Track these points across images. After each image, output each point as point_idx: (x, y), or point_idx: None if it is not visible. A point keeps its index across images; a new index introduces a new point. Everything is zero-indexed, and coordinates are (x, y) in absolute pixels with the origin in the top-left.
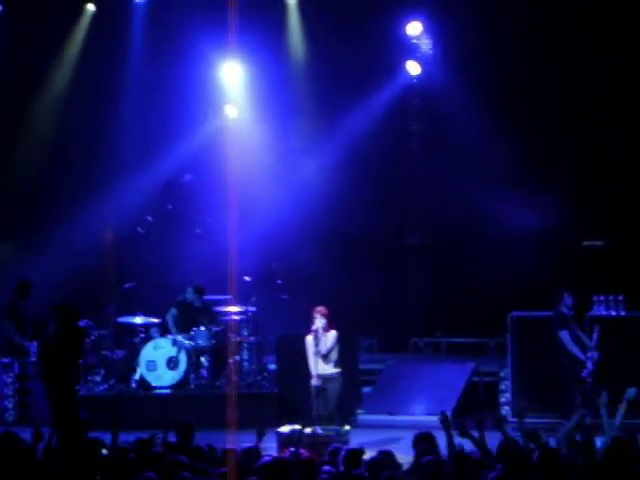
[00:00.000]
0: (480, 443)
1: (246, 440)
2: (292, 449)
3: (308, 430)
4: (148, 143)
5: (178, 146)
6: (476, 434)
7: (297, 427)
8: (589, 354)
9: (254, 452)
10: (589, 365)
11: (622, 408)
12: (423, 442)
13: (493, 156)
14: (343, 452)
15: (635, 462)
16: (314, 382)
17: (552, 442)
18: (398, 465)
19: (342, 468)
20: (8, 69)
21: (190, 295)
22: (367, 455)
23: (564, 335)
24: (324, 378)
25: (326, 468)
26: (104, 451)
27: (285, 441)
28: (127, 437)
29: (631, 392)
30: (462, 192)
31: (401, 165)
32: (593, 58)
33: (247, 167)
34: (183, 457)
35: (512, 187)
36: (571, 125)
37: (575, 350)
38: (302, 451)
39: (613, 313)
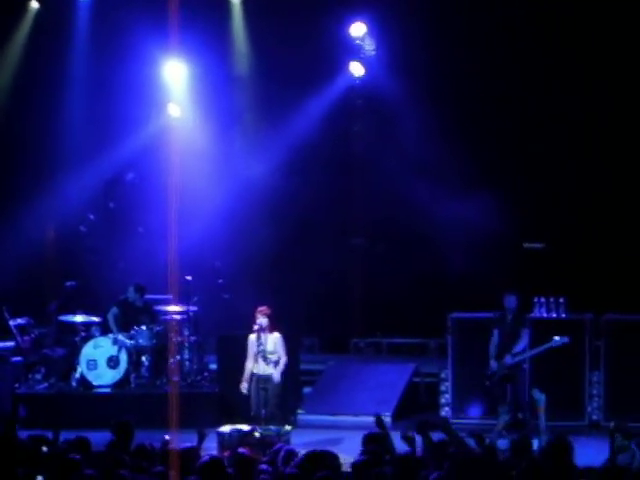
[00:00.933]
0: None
1: (187, 440)
2: (232, 450)
3: (248, 430)
4: (91, 141)
5: (121, 144)
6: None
7: (237, 427)
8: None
9: (194, 452)
10: (492, 365)
11: (541, 411)
12: (372, 442)
13: (436, 157)
14: (283, 452)
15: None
16: (243, 385)
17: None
18: (338, 465)
19: (282, 468)
20: None
21: (131, 294)
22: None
23: (494, 333)
24: (264, 378)
25: (263, 467)
26: (44, 448)
27: (226, 441)
28: (67, 435)
29: (537, 394)
30: (405, 193)
31: (345, 166)
32: (538, 57)
33: (190, 166)
34: (124, 455)
35: (455, 188)
36: (514, 126)
37: (490, 350)
38: (242, 450)
39: (554, 315)
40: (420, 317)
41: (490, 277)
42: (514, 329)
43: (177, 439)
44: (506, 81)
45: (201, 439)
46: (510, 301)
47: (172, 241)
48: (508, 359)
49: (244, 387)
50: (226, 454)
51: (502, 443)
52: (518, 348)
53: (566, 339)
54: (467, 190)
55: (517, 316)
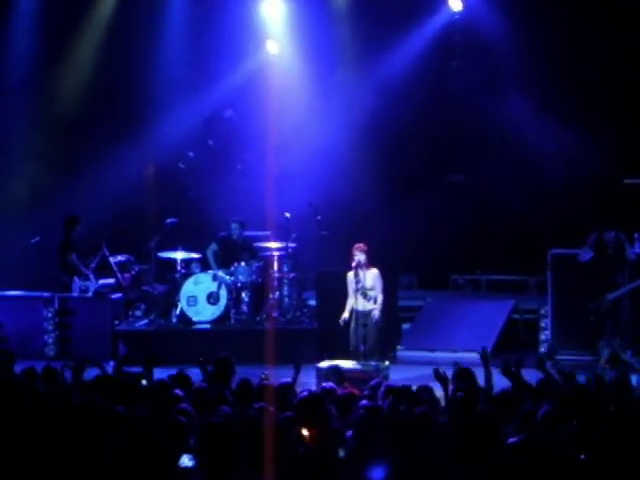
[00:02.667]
0: (521, 381)
1: (286, 375)
2: (328, 384)
3: (348, 365)
4: (189, 79)
5: (219, 82)
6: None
7: (336, 362)
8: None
9: (290, 387)
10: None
11: None
12: (462, 377)
13: (537, 92)
14: (383, 388)
15: None
16: (343, 318)
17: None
18: (436, 401)
19: (381, 403)
20: (50, 5)
21: (235, 231)
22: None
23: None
24: (364, 314)
25: (363, 402)
26: (143, 382)
27: (325, 376)
28: (168, 372)
29: None
30: (506, 130)
31: (443, 102)
32: None
33: (288, 103)
34: (225, 391)
35: (556, 123)
36: (618, 61)
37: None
38: (337, 386)
39: (637, 251)
40: (519, 254)
41: (590, 213)
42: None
43: (276, 375)
44: (610, 14)
45: (297, 373)
46: (608, 236)
47: (270, 178)
48: (610, 295)
49: (343, 319)
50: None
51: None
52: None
53: None
54: (568, 125)
55: (617, 251)
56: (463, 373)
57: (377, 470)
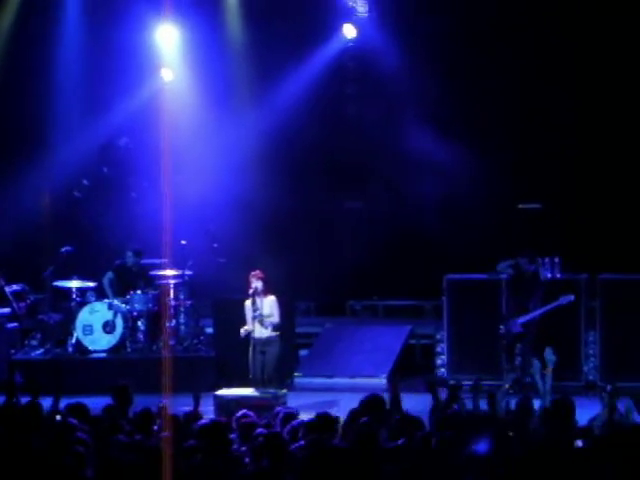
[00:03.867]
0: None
1: (184, 404)
2: (241, 412)
3: (247, 393)
4: (84, 106)
5: (114, 109)
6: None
7: (235, 391)
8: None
9: (192, 416)
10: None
11: (548, 371)
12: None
13: (430, 118)
14: (281, 414)
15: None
16: (243, 332)
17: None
18: (333, 428)
19: (279, 429)
20: None
21: (130, 258)
22: (305, 417)
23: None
24: (262, 341)
25: (259, 430)
26: (58, 417)
27: (223, 405)
28: (64, 401)
29: (548, 354)
30: (399, 154)
31: (338, 128)
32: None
33: (183, 131)
34: (122, 420)
35: (450, 149)
36: (510, 88)
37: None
38: (249, 413)
39: (549, 275)
40: (415, 279)
41: (486, 238)
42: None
43: (174, 404)
44: (505, 38)
45: (197, 403)
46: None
47: (166, 205)
48: (520, 319)
49: (244, 331)
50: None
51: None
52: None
53: (572, 297)
54: (463, 152)
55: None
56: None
57: None
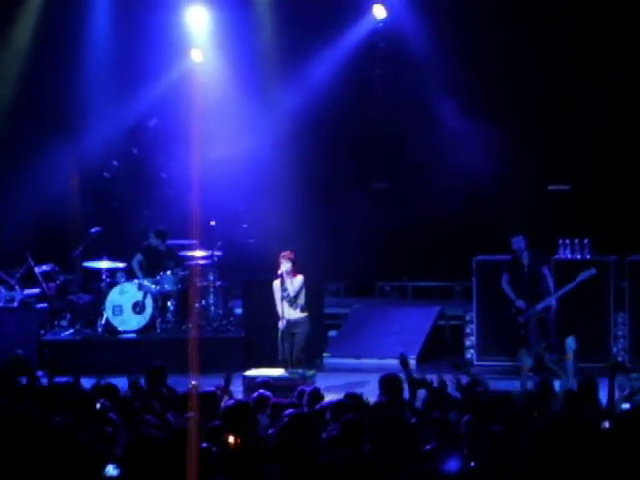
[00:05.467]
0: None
1: (212, 384)
2: (259, 392)
3: (275, 374)
4: (114, 88)
5: (144, 91)
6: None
7: (264, 371)
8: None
9: (217, 396)
10: (520, 305)
11: (570, 358)
12: (388, 383)
13: (460, 100)
14: (306, 394)
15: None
16: (281, 325)
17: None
18: (365, 408)
19: (306, 409)
20: None
21: (152, 240)
22: (334, 398)
23: (503, 278)
24: (291, 322)
25: (289, 411)
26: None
27: (252, 385)
28: (95, 381)
29: (570, 342)
30: (428, 135)
31: (366, 110)
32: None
33: (213, 112)
34: (154, 402)
35: (480, 131)
36: (540, 69)
37: (507, 291)
38: (268, 394)
39: (578, 256)
40: (445, 260)
41: (516, 219)
42: (533, 270)
43: (204, 384)
44: (531, 22)
45: (227, 382)
46: (517, 242)
47: (195, 186)
48: (539, 305)
49: (281, 325)
50: (250, 397)
51: (530, 385)
52: (546, 299)
53: (593, 271)
54: (494, 133)
55: (534, 257)
56: (389, 379)
57: None
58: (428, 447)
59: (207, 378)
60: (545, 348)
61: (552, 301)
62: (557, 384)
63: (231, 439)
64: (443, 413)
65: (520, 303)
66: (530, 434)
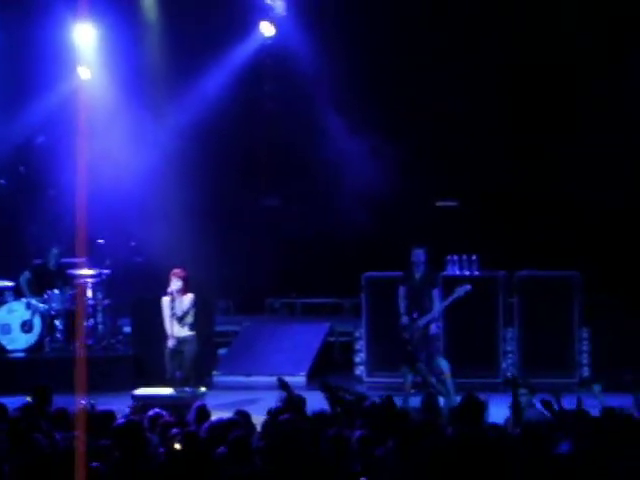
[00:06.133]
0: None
1: (102, 404)
2: (154, 411)
3: (165, 392)
4: (0, 104)
5: (31, 108)
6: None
7: (153, 390)
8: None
9: (110, 415)
10: (404, 320)
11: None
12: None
13: (349, 117)
14: (193, 410)
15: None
16: (170, 344)
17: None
18: (252, 426)
19: (194, 427)
20: None
21: (54, 258)
22: (223, 416)
23: (399, 291)
24: (180, 340)
25: (174, 430)
26: None
27: (140, 404)
28: None
29: (443, 363)
30: (317, 151)
31: (255, 127)
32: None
33: (100, 128)
34: (41, 420)
35: (367, 147)
36: (425, 81)
37: (400, 305)
38: (163, 412)
39: (467, 272)
40: (334, 276)
41: (403, 235)
42: (423, 286)
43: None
44: (420, 34)
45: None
46: (418, 255)
47: (83, 204)
48: (421, 321)
49: (170, 343)
50: (146, 415)
51: (414, 401)
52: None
53: (468, 287)
54: (380, 148)
55: (427, 273)
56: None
57: None
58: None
59: (97, 397)
60: (426, 366)
61: (432, 318)
62: (442, 401)
63: (177, 446)
64: (339, 429)
65: (404, 319)
66: (421, 452)
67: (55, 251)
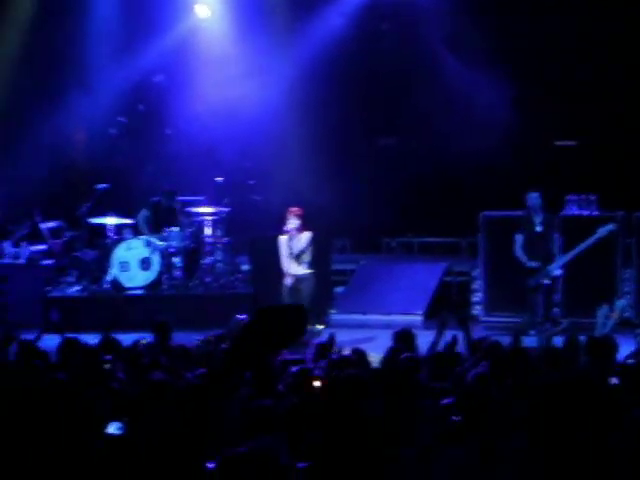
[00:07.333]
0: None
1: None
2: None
3: None
4: (120, 44)
5: (150, 47)
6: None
7: None
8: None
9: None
10: (540, 274)
11: (614, 316)
12: (402, 338)
13: (467, 54)
14: (311, 348)
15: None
16: (287, 281)
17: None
18: (367, 363)
19: (311, 364)
20: None
21: (163, 200)
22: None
23: (516, 239)
24: (297, 278)
25: (294, 369)
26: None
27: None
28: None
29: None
30: (433, 89)
31: (374, 66)
32: None
33: (219, 67)
34: (162, 357)
35: (487, 86)
36: (549, 23)
37: (519, 254)
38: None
39: (586, 212)
40: (451, 215)
41: (522, 175)
42: (545, 230)
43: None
44: None
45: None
46: (533, 199)
47: (201, 143)
48: (555, 270)
49: (288, 281)
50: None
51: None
52: (562, 258)
53: (610, 226)
54: (500, 87)
55: (547, 217)
56: (402, 335)
57: None
58: (446, 401)
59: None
60: (543, 316)
61: (562, 266)
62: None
63: (317, 383)
64: (463, 369)
65: (532, 264)
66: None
67: (173, 189)
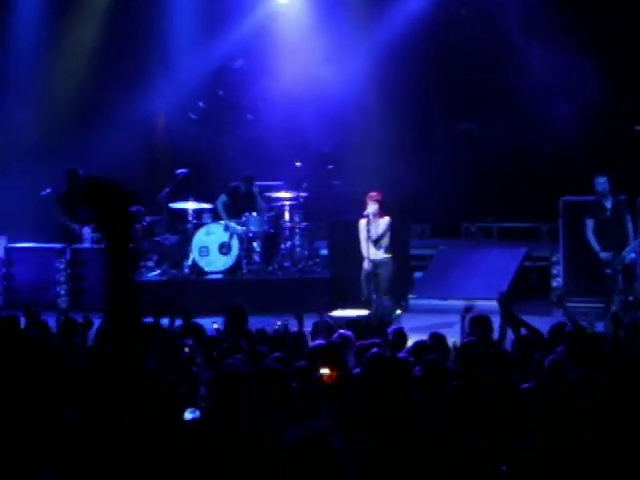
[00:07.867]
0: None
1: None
2: (347, 332)
3: (360, 314)
4: (199, 29)
5: (229, 32)
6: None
7: (348, 311)
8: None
9: (300, 336)
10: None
11: None
12: (477, 323)
13: (548, 38)
14: (389, 333)
15: None
16: (366, 266)
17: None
18: (447, 349)
19: (389, 350)
20: None
21: (242, 185)
22: (417, 338)
23: (587, 224)
24: (375, 263)
25: (374, 350)
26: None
27: (335, 325)
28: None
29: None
30: (514, 73)
31: (453, 48)
32: None
33: (298, 52)
34: (241, 340)
35: (566, 71)
36: (631, 8)
37: (591, 241)
38: (349, 334)
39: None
40: (531, 201)
41: (602, 160)
42: (616, 215)
43: (290, 324)
44: None
45: (300, 323)
46: (602, 183)
47: (281, 128)
48: (629, 255)
49: (366, 265)
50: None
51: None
52: (636, 242)
53: None
54: (581, 71)
55: (618, 201)
56: (478, 319)
57: None
58: (525, 386)
59: (293, 319)
60: (623, 302)
61: (636, 250)
62: None
63: (326, 371)
64: (541, 354)
65: (605, 255)
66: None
67: (251, 174)
